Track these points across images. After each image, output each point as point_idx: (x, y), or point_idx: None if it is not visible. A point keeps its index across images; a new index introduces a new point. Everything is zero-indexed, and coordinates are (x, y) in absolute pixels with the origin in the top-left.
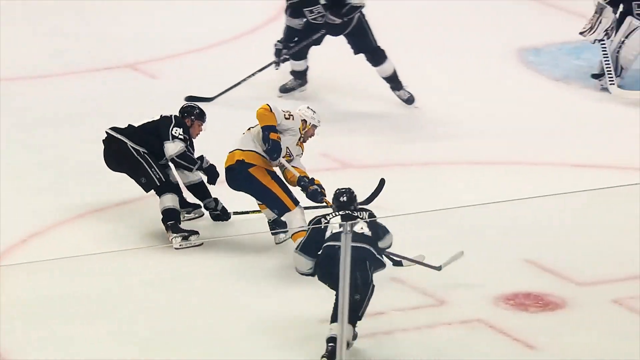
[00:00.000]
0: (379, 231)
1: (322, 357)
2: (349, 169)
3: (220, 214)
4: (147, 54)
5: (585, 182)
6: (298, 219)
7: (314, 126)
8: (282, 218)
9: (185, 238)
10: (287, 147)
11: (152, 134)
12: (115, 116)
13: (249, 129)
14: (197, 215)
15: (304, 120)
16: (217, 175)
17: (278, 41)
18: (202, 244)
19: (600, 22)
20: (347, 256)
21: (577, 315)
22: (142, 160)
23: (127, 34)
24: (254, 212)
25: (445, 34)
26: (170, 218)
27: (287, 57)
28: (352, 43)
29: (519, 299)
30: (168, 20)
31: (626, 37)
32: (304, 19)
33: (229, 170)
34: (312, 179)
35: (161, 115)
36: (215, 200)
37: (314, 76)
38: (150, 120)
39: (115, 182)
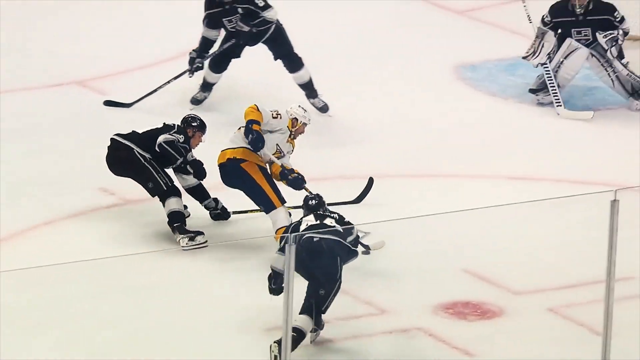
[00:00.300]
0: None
1: (275, 342)
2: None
3: (221, 213)
4: (96, 70)
5: (521, 194)
6: (282, 218)
7: (304, 124)
8: (268, 215)
9: (191, 239)
10: (277, 144)
11: (155, 140)
12: (61, 132)
13: (239, 128)
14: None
15: (295, 118)
16: (203, 169)
17: (193, 50)
18: (207, 243)
19: (542, 46)
20: (291, 269)
21: (513, 323)
22: (148, 166)
23: (76, 50)
24: (253, 211)
25: (385, 50)
26: (176, 220)
27: (200, 65)
28: (271, 49)
29: (458, 308)
30: (117, 36)
31: (565, 58)
32: (220, 30)
33: (221, 167)
34: (292, 169)
35: (164, 123)
36: (215, 200)
37: (241, 85)
38: (154, 128)
39: (50, 197)
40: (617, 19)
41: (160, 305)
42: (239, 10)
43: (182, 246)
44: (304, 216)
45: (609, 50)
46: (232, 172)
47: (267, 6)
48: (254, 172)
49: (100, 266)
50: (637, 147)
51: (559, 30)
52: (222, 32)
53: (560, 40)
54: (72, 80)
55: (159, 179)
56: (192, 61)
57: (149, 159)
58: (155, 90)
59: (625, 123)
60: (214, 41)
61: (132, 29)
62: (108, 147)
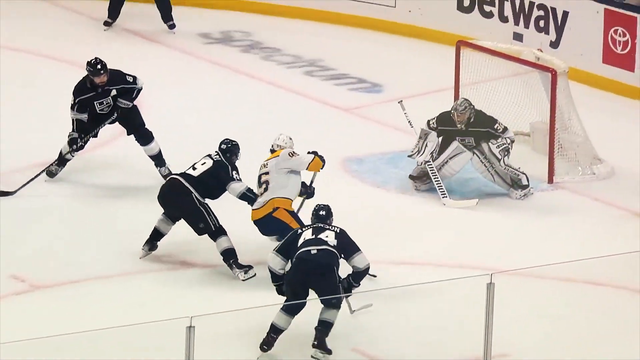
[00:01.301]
0: (346, 247)
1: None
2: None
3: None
4: None
5: (403, 278)
6: None
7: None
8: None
9: (246, 272)
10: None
11: (210, 182)
12: None
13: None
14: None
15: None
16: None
17: (72, 131)
18: (255, 274)
19: (426, 146)
20: None
21: None
22: (202, 209)
23: None
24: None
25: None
26: (231, 257)
27: (83, 144)
28: (125, 125)
29: None
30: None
31: (450, 158)
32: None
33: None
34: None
35: (213, 161)
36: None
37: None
38: (202, 165)
39: None
40: (499, 130)
41: None
42: (113, 91)
43: (242, 279)
44: (311, 224)
45: (495, 156)
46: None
47: (134, 78)
48: (285, 217)
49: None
50: (514, 232)
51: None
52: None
53: (445, 143)
54: None
55: (210, 220)
56: (74, 141)
57: (203, 202)
58: (38, 175)
59: (506, 211)
60: (85, 122)
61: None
62: (165, 184)
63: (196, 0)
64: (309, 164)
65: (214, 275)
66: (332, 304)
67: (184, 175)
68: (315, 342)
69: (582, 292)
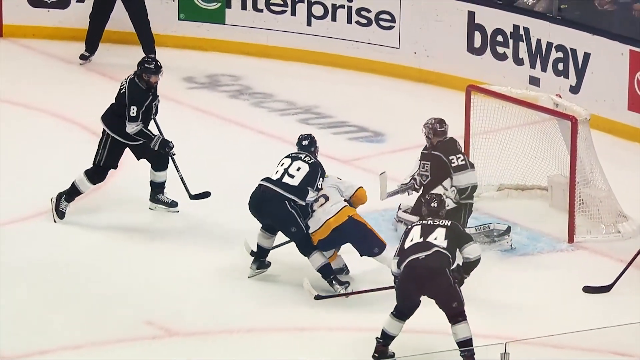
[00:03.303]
0: (457, 240)
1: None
2: None
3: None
4: None
5: (411, 349)
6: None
7: None
8: (378, 257)
9: (346, 288)
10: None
11: (300, 187)
12: None
13: (324, 201)
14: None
15: None
16: None
17: (162, 137)
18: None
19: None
20: None
21: None
22: (293, 212)
23: None
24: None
25: None
26: (329, 273)
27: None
28: (135, 152)
29: None
30: None
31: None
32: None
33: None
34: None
35: (309, 164)
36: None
37: None
38: (298, 171)
39: None
40: (453, 164)
41: None
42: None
43: (343, 295)
44: (419, 221)
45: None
46: (352, 226)
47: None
48: (361, 219)
49: None
50: (530, 297)
51: None
52: None
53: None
54: None
55: (301, 223)
56: (165, 143)
57: (293, 204)
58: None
59: (521, 273)
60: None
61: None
62: (255, 192)
63: (179, 40)
64: (361, 188)
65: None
66: (455, 321)
67: (272, 181)
68: None
69: None
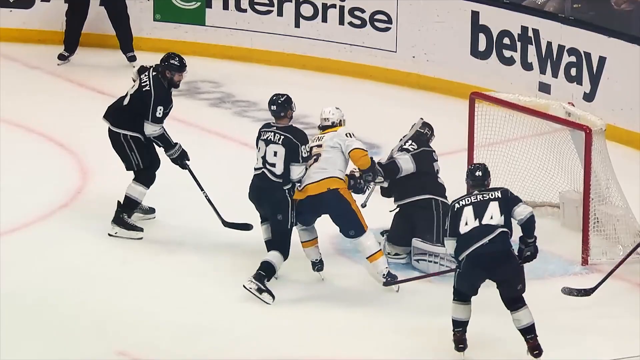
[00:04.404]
0: (509, 206)
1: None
2: None
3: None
4: None
5: None
6: (375, 242)
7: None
8: (356, 240)
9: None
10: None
11: (285, 174)
12: None
13: (315, 160)
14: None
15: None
16: None
17: (168, 148)
18: None
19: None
20: None
21: None
22: (289, 199)
23: None
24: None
25: None
26: (268, 275)
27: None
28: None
29: None
30: None
31: None
32: None
33: (318, 196)
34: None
35: (281, 144)
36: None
37: None
38: (275, 157)
39: None
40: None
41: None
42: None
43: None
44: (468, 194)
45: None
46: (331, 199)
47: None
48: (349, 197)
49: None
50: (540, 326)
51: None
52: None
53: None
54: None
55: (290, 216)
56: (184, 154)
57: (286, 191)
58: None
59: (529, 300)
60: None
61: None
62: (255, 179)
63: (155, 43)
64: (360, 149)
65: None
66: (516, 307)
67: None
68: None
69: None
